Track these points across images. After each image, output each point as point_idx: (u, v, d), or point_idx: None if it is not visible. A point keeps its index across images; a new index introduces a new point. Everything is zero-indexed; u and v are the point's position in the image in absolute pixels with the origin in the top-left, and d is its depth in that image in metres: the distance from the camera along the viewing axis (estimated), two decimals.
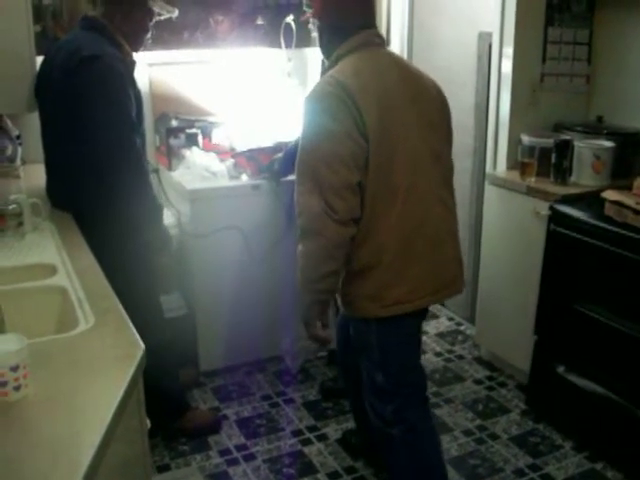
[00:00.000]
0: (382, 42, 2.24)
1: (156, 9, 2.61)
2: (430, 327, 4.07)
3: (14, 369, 1.27)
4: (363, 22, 2.17)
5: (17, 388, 1.29)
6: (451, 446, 2.94)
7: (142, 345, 1.50)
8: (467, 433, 3.04)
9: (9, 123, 3.08)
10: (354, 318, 2.27)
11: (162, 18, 2.68)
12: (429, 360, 3.67)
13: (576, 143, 3.09)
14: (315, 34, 2.30)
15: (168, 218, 3.08)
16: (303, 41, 3.86)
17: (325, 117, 2.00)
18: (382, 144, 2.01)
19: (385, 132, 2.02)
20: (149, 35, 2.64)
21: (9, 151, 3.02)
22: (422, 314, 2.31)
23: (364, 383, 2.34)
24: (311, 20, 2.25)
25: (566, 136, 3.15)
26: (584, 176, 3.09)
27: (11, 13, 2.68)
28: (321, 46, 2.25)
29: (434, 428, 2.40)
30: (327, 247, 2.02)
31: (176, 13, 2.73)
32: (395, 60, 2.26)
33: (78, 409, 1.29)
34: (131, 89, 2.47)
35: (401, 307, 2.12)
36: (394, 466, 2.36)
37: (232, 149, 3.49)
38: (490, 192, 3.38)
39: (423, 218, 2.11)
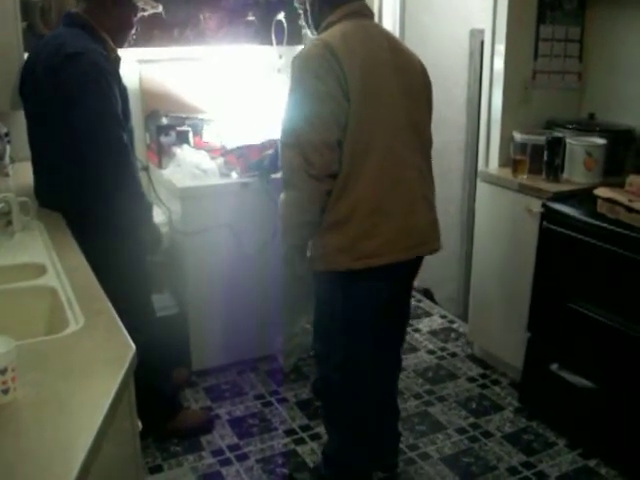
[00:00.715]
0: (371, 14, 2.38)
1: (140, 4, 2.58)
2: (423, 325, 4.06)
3: (2, 372, 1.25)
4: None
5: (5, 391, 1.27)
6: (444, 444, 2.94)
7: (133, 346, 1.48)
8: (460, 431, 3.03)
9: None
10: (323, 273, 2.30)
11: (146, 14, 2.66)
12: (422, 358, 3.67)
13: (568, 140, 3.09)
14: (305, 29, 2.35)
15: (158, 216, 3.06)
16: (294, 38, 3.84)
17: (309, 76, 2.10)
18: (363, 105, 2.12)
19: (367, 95, 2.12)
20: (133, 31, 2.62)
21: None
22: (395, 283, 2.34)
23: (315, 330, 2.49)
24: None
25: (558, 133, 3.15)
26: (576, 173, 3.08)
27: None
28: (312, 16, 2.36)
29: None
30: (302, 200, 2.17)
31: (160, 8, 2.71)
32: (382, 31, 2.41)
33: (68, 412, 1.27)
34: (116, 85, 2.44)
35: (372, 260, 2.19)
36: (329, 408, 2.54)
37: (223, 147, 3.47)
38: (482, 189, 3.38)
39: (397, 179, 2.21)
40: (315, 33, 2.38)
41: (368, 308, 2.29)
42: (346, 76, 2.08)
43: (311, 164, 2.09)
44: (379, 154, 2.16)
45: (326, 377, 2.49)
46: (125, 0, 2.53)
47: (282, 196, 2.24)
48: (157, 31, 3.67)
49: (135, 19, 2.60)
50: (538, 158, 3.10)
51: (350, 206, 2.15)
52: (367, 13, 2.34)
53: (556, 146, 3.05)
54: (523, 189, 3.07)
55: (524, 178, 3.13)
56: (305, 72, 2.12)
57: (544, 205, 2.94)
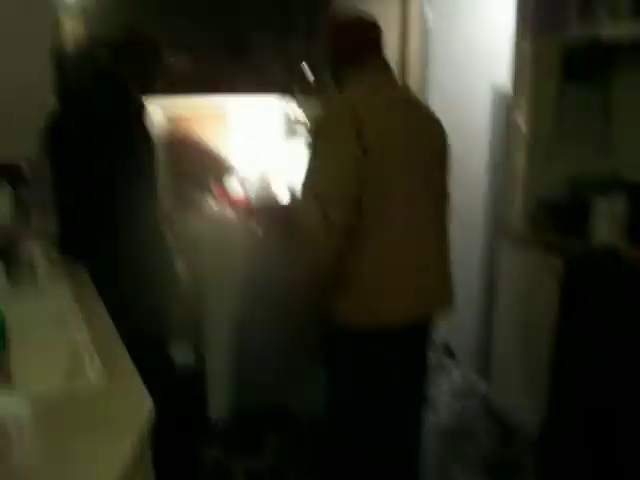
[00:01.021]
0: (391, 71, 2.37)
1: (168, 61, 2.64)
2: (443, 382, 4.00)
3: (18, 428, 1.23)
4: (374, 49, 2.31)
5: (20, 448, 1.24)
6: None
7: (152, 404, 1.46)
8: None
9: (25, 169, 3.09)
10: (336, 330, 2.27)
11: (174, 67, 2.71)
12: (441, 417, 3.60)
13: (593, 199, 3.06)
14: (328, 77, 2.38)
15: (180, 267, 3.06)
16: (317, 89, 3.88)
17: (330, 134, 2.12)
18: (381, 164, 2.11)
19: (386, 154, 2.12)
20: (159, 81, 2.67)
21: (24, 197, 3.02)
22: (411, 341, 2.31)
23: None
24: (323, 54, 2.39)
25: (582, 191, 3.13)
26: (601, 232, 3.05)
27: (33, 60, 2.71)
28: (332, 73, 2.37)
29: None
30: (318, 257, 2.13)
31: (189, 67, 2.76)
32: (402, 88, 2.49)
33: (84, 470, 1.24)
34: (142, 135, 2.48)
35: (386, 320, 2.16)
36: None
37: (246, 199, 3.48)
38: (504, 247, 3.36)
39: (413, 238, 2.19)
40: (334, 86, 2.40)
41: (384, 367, 2.26)
42: (367, 136, 2.08)
43: (329, 220, 2.08)
44: (396, 214, 2.15)
45: (340, 442, 2.43)
46: (155, 59, 2.58)
47: (299, 252, 2.22)
48: (181, 81, 3.73)
49: (161, 72, 2.65)
50: (562, 217, 3.09)
51: (365, 265, 2.14)
52: (387, 69, 2.36)
53: (580, 205, 3.03)
54: (546, 248, 3.05)
55: (547, 237, 3.10)
56: (326, 130, 2.14)
57: (567, 264, 2.91)
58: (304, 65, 3.79)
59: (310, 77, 2.59)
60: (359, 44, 2.29)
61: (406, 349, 2.29)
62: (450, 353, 4.39)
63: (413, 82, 4.20)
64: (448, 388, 3.93)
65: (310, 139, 2.20)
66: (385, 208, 2.13)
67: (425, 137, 2.28)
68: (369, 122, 2.10)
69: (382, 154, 2.11)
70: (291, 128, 3.80)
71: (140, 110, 2.59)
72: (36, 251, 2.30)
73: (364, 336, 2.20)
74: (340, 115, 2.13)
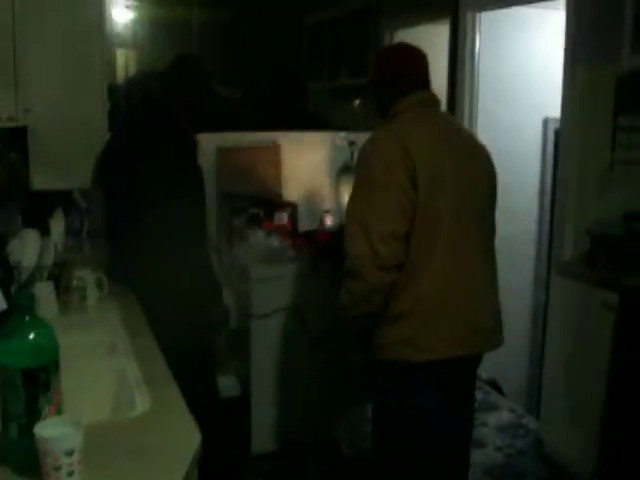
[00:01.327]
0: (438, 102, 2.37)
1: (219, 91, 2.66)
2: (490, 419, 3.91)
3: (69, 454, 1.23)
4: (421, 81, 2.31)
5: (70, 474, 1.24)
6: None
7: (199, 435, 1.45)
8: None
9: (78, 196, 3.15)
10: (382, 363, 2.23)
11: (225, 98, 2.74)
12: (489, 455, 3.52)
13: None
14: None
15: (227, 297, 3.07)
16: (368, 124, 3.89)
17: (379, 166, 2.09)
18: (430, 198, 2.09)
19: (434, 187, 2.09)
20: (210, 112, 2.70)
21: (76, 224, 3.08)
22: (458, 377, 2.26)
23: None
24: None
25: (637, 226, 3.06)
26: None
27: (87, 92, 2.77)
28: (379, 104, 2.35)
29: None
30: (367, 291, 2.11)
31: (239, 95, 2.78)
32: (449, 121, 2.46)
33: None
34: (192, 166, 2.52)
35: (434, 354, 2.12)
36: None
37: (294, 230, 3.49)
38: (556, 281, 3.29)
39: (462, 272, 2.16)
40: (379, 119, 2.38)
41: (430, 402, 2.21)
42: (415, 168, 2.07)
43: (378, 254, 2.06)
44: (445, 247, 2.12)
45: (386, 476, 2.38)
46: (202, 88, 2.62)
47: (344, 283, 2.19)
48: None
49: (211, 103, 2.68)
50: (616, 251, 3.02)
51: (414, 299, 2.11)
52: (434, 102, 2.35)
53: (635, 238, 2.96)
54: (600, 283, 2.98)
55: (600, 271, 3.04)
56: (375, 161, 2.12)
57: (622, 300, 2.83)
58: (357, 102, 3.82)
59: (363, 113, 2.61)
60: (405, 74, 2.29)
61: (452, 384, 2.24)
62: (498, 389, 4.31)
63: (462, 113, 4.18)
64: (496, 425, 3.84)
65: (357, 167, 2.20)
66: (433, 242, 2.11)
67: (473, 169, 2.26)
68: (418, 155, 2.08)
69: (431, 188, 2.09)
70: (344, 164, 3.80)
71: (190, 140, 2.62)
72: (88, 278, 2.32)
73: (410, 370, 2.16)
74: (389, 146, 2.12)
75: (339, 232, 3.25)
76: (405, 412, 2.21)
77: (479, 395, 4.12)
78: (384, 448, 2.36)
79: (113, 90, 3.37)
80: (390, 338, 2.17)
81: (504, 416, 3.96)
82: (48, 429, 1.25)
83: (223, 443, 2.80)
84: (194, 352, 2.56)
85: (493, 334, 2.29)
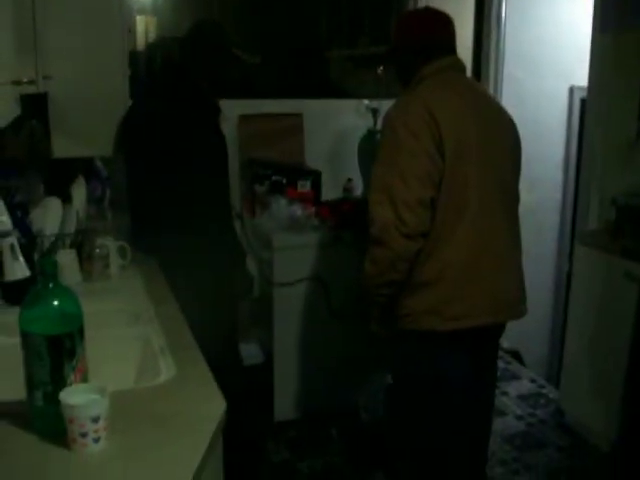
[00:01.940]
0: (463, 68, 2.34)
1: (240, 56, 2.64)
2: (511, 388, 3.91)
3: (95, 420, 1.25)
4: (447, 46, 2.27)
5: (96, 440, 1.26)
6: None
7: (224, 402, 1.46)
8: None
9: (99, 165, 3.15)
10: (405, 333, 2.22)
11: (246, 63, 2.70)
12: (509, 423, 3.52)
13: None
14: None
15: (250, 265, 3.07)
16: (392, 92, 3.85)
17: (405, 133, 2.06)
18: (457, 165, 2.06)
19: (460, 154, 2.07)
20: (233, 80, 2.67)
21: (98, 192, 3.09)
22: (481, 347, 2.26)
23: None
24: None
25: None
26: None
27: (108, 58, 2.75)
28: (403, 70, 2.31)
29: None
30: (392, 258, 2.09)
31: (258, 60, 2.75)
32: (475, 88, 2.40)
33: (157, 466, 1.25)
34: (214, 133, 2.50)
35: (459, 323, 2.11)
36: None
37: (317, 198, 3.47)
38: (580, 251, 3.26)
39: (488, 241, 2.14)
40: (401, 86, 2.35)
41: (453, 371, 2.20)
42: (442, 135, 2.04)
43: (404, 222, 2.04)
44: (470, 215, 2.09)
45: (404, 444, 2.40)
46: (223, 51, 2.59)
47: (368, 252, 2.17)
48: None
49: (233, 68, 2.65)
50: None
51: (439, 267, 2.09)
52: (461, 67, 2.31)
53: None
54: (625, 253, 2.94)
55: (625, 241, 3.00)
56: (401, 127, 2.08)
57: None
58: (380, 69, 3.77)
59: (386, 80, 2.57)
60: (432, 39, 2.25)
61: (475, 354, 2.24)
62: (519, 359, 4.30)
63: (487, 80, 4.13)
64: (516, 394, 3.84)
65: (382, 133, 2.16)
66: (459, 210, 2.08)
67: (499, 137, 2.23)
68: (444, 122, 2.05)
69: (457, 155, 2.06)
70: (368, 131, 3.76)
71: (212, 107, 2.60)
72: (110, 247, 2.33)
73: (434, 339, 2.15)
74: (414, 112, 2.08)
75: (363, 201, 3.24)
76: (428, 382, 2.20)
77: (500, 364, 4.10)
78: (404, 415, 2.36)
79: (134, 57, 3.35)
80: (414, 307, 2.15)
81: (525, 386, 3.96)
82: (74, 396, 1.26)
83: (246, 410, 2.83)
84: (218, 320, 2.57)
85: (517, 303, 2.27)
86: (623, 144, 3.24)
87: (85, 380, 1.35)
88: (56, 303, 1.30)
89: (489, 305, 2.16)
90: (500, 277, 2.18)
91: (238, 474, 2.76)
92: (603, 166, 3.26)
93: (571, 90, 4.24)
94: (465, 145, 2.08)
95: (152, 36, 4.36)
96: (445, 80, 2.21)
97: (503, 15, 4.03)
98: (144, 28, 4.82)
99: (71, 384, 1.31)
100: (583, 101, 3.81)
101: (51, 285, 1.31)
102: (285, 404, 3.34)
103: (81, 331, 1.33)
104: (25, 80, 2.18)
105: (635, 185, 3.23)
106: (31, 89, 2.29)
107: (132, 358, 1.82)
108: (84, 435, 1.25)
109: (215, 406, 1.45)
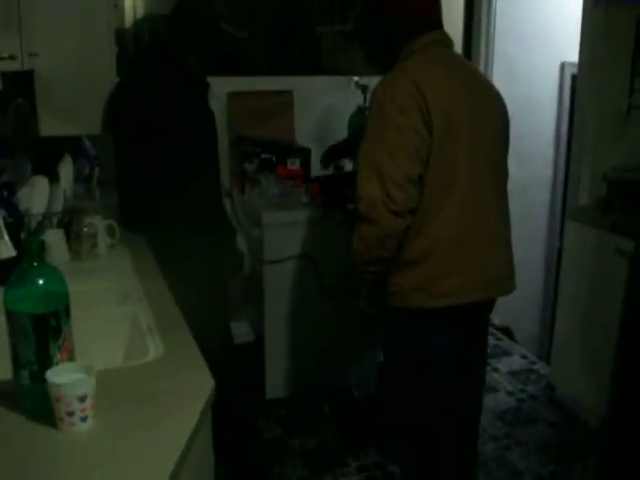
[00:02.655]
0: (451, 43, 2.29)
1: (227, 30, 2.60)
2: (502, 364, 3.93)
3: (82, 399, 1.24)
4: (435, 20, 2.22)
5: (84, 419, 1.25)
6: None
7: (212, 380, 1.45)
8: (539, 479, 2.90)
9: (87, 143, 3.12)
10: (394, 310, 2.20)
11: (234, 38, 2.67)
12: (500, 399, 3.54)
13: None
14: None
15: (240, 243, 3.06)
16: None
17: (393, 109, 2.02)
18: (445, 141, 2.03)
19: (450, 130, 2.04)
20: (221, 55, 2.64)
21: (86, 171, 3.06)
22: (470, 323, 2.26)
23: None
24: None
25: None
26: None
27: (95, 36, 2.71)
28: (387, 48, 2.23)
29: None
30: (380, 236, 2.06)
31: (246, 34, 2.70)
32: (463, 63, 2.36)
33: (146, 443, 1.25)
34: (203, 111, 2.48)
35: (447, 300, 2.10)
36: None
37: (307, 176, 3.46)
38: (571, 228, 3.26)
39: (476, 218, 2.12)
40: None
41: (442, 348, 2.20)
42: (429, 110, 2.01)
43: (392, 199, 2.01)
44: (460, 192, 2.07)
45: (395, 421, 2.40)
46: (210, 25, 2.55)
47: (356, 230, 2.14)
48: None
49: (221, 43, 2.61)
50: (632, 197, 2.98)
51: (428, 244, 2.07)
52: (447, 43, 2.27)
53: None
54: (615, 229, 2.94)
55: (616, 217, 3.00)
56: (388, 103, 2.04)
57: (637, 246, 2.80)
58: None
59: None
60: (421, 13, 2.19)
61: (464, 330, 2.24)
62: (510, 335, 4.32)
63: (478, 56, 4.11)
64: (507, 370, 3.86)
65: (370, 109, 2.12)
66: (448, 186, 2.06)
67: (488, 113, 2.20)
68: (432, 98, 2.01)
69: (446, 131, 2.03)
70: (357, 108, 3.73)
71: (200, 83, 2.58)
72: (98, 225, 2.31)
73: (423, 316, 2.14)
74: (402, 87, 2.04)
75: (352, 177, 3.22)
76: (417, 359, 2.20)
77: (491, 341, 4.13)
78: (393, 392, 2.37)
79: (121, 34, 3.31)
80: (403, 285, 2.14)
81: (516, 362, 3.98)
82: (60, 375, 1.25)
83: (237, 389, 2.83)
84: (209, 298, 2.56)
85: (506, 279, 2.26)
86: (614, 119, 3.23)
87: (72, 359, 1.34)
88: (41, 282, 1.29)
89: (479, 281, 2.15)
90: (490, 253, 2.17)
91: (229, 452, 2.78)
92: (594, 141, 3.25)
93: (562, 66, 4.22)
94: (454, 121, 2.06)
95: (140, 12, 4.31)
96: (433, 55, 2.17)
97: None
98: (132, 4, 4.77)
99: (57, 363, 1.30)
100: (574, 77, 3.79)
101: (36, 264, 1.29)
102: (276, 382, 3.35)
103: (67, 310, 1.32)
104: (6, 55, 2.15)
105: (626, 160, 3.22)
106: (16, 66, 2.26)
107: (120, 337, 1.82)
108: (71, 414, 1.24)
109: (203, 383, 1.44)
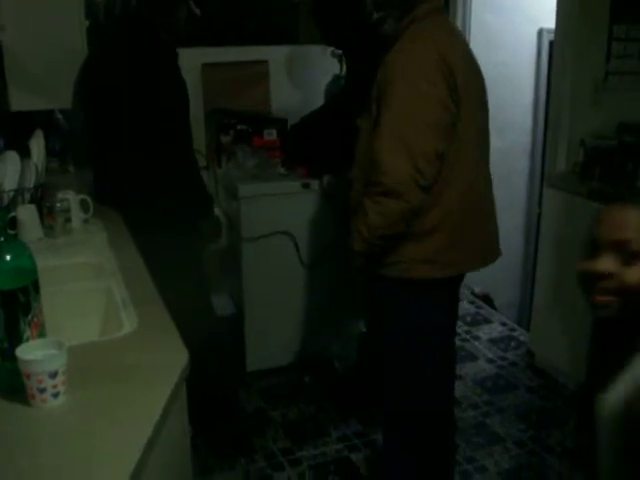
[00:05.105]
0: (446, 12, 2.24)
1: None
2: (482, 332, 3.95)
3: (52, 375, 1.23)
4: None
5: (55, 395, 1.24)
6: (502, 458, 2.84)
7: (186, 352, 1.45)
8: (520, 444, 2.93)
9: (60, 118, 3.07)
10: (392, 281, 2.16)
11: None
12: (480, 367, 3.57)
13: None
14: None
15: (217, 210, 3.04)
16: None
17: (421, 79, 1.95)
18: (464, 113, 2.01)
19: (467, 102, 2.02)
20: (188, 24, 2.59)
21: (60, 146, 3.02)
22: (453, 298, 2.32)
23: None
24: None
25: (631, 137, 3.01)
26: None
27: (64, 8, 2.66)
28: (393, 10, 2.06)
29: None
30: (405, 211, 1.99)
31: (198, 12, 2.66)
32: (459, 31, 2.38)
33: (118, 418, 1.24)
34: (174, 81, 2.46)
35: (453, 269, 2.14)
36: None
37: (284, 146, 3.43)
38: (548, 194, 3.26)
39: (477, 190, 2.14)
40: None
41: (439, 317, 2.22)
42: (456, 84, 1.96)
43: (422, 174, 1.95)
44: (466, 164, 2.07)
45: (393, 389, 2.38)
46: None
47: (375, 204, 2.01)
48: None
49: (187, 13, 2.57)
50: (609, 163, 2.98)
51: (440, 217, 2.05)
52: (444, 9, 2.26)
53: (629, 150, 2.92)
54: (592, 195, 2.95)
55: (593, 184, 3.00)
56: (416, 74, 1.96)
57: None
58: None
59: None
60: None
61: (453, 299, 2.30)
62: (490, 303, 4.34)
63: (456, 25, 4.07)
64: (487, 338, 3.88)
65: (389, 78, 1.99)
66: (460, 159, 2.04)
67: (478, 81, 2.19)
68: (457, 70, 1.97)
69: (465, 103, 2.00)
70: (334, 77, 3.69)
71: (171, 55, 2.54)
72: (72, 200, 2.28)
73: (418, 286, 2.13)
74: (426, 56, 1.97)
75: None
76: (414, 327, 2.19)
77: (471, 309, 4.16)
78: (391, 366, 2.33)
79: (92, 6, 3.25)
80: (411, 256, 2.10)
81: (496, 329, 4.00)
82: (30, 351, 1.24)
83: (217, 360, 2.83)
84: (187, 269, 2.55)
85: (497, 246, 2.30)
86: (591, 86, 3.22)
87: (42, 335, 1.33)
88: (8, 258, 1.27)
89: (478, 251, 2.18)
90: (486, 224, 2.21)
91: (209, 424, 2.79)
92: (571, 108, 3.24)
93: (540, 33, 4.20)
94: (468, 93, 2.03)
95: None
96: (442, 23, 2.11)
97: None
98: None
99: (28, 339, 1.28)
100: (552, 43, 3.77)
101: (2, 239, 1.27)
102: (257, 354, 3.35)
103: (36, 285, 1.30)
104: None
105: (603, 127, 3.22)
106: None
107: (96, 311, 1.81)
108: (42, 390, 1.23)
109: (177, 356, 1.44)
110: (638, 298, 1.27)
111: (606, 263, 1.27)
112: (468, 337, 3.83)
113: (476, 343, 3.82)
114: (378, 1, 2.06)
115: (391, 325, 2.27)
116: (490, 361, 3.63)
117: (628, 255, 1.25)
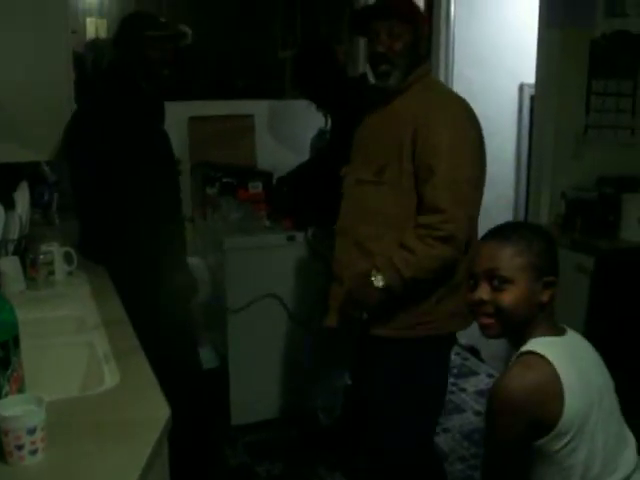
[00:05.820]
0: None
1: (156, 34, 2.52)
2: (469, 384, 3.92)
3: (31, 432, 1.21)
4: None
5: (33, 452, 1.22)
6: None
7: (168, 408, 1.43)
8: None
9: (47, 169, 3.09)
10: (417, 341, 2.14)
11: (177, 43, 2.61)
12: (468, 419, 3.53)
13: (622, 197, 3.00)
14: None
15: (197, 268, 3.04)
16: None
17: (473, 135, 2.03)
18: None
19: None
20: (166, 67, 2.57)
21: (46, 197, 3.03)
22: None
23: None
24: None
25: (611, 189, 3.06)
26: (631, 231, 2.98)
27: (52, 61, 2.69)
28: (404, 63, 2.09)
29: None
30: (453, 259, 2.04)
31: (187, 30, 2.63)
32: None
33: (98, 476, 1.22)
34: (158, 134, 2.48)
35: (469, 319, 2.07)
36: None
37: (269, 199, 3.44)
38: None
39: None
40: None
41: (445, 372, 2.29)
42: (481, 135, 2.07)
43: (472, 224, 2.07)
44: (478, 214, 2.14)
45: (384, 443, 2.31)
46: (138, 39, 2.47)
47: (432, 248, 2.01)
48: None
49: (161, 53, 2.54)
50: (590, 215, 3.02)
51: (464, 271, 2.04)
52: None
53: (609, 203, 2.96)
54: (575, 246, 2.98)
55: (575, 235, 3.04)
56: (469, 128, 2.03)
57: (597, 263, 2.84)
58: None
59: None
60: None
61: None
62: (476, 354, 4.32)
63: (438, 79, 4.14)
64: (474, 390, 3.86)
65: (440, 130, 2.01)
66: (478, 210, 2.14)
67: None
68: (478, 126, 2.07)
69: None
70: (319, 131, 3.73)
71: (150, 104, 2.56)
72: (55, 253, 2.28)
73: (447, 342, 2.20)
74: (469, 113, 2.05)
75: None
76: (437, 383, 2.23)
77: (458, 361, 4.14)
78: (387, 415, 2.27)
79: (80, 61, 3.30)
80: (442, 311, 2.12)
81: (483, 381, 3.98)
82: (9, 407, 1.22)
83: (202, 414, 2.79)
84: (168, 323, 2.53)
85: None
86: (571, 139, 3.28)
87: (22, 390, 1.31)
88: None
89: None
90: None
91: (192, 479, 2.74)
92: (552, 161, 3.30)
93: (521, 87, 4.28)
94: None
95: (102, 37, 4.30)
96: (437, 81, 2.26)
97: (452, 15, 4.05)
98: (94, 30, 4.76)
99: (7, 394, 1.27)
100: (533, 98, 3.84)
101: None
102: (242, 408, 3.30)
103: (16, 340, 1.29)
104: None
105: (584, 179, 3.27)
106: None
107: (77, 365, 1.79)
108: (20, 447, 1.21)
109: (159, 412, 1.42)
110: (513, 318, 1.56)
111: (481, 292, 1.53)
112: (454, 389, 3.80)
113: (463, 395, 3.79)
114: (387, 55, 2.09)
115: (396, 382, 2.22)
116: (477, 413, 3.60)
117: (500, 281, 1.50)
